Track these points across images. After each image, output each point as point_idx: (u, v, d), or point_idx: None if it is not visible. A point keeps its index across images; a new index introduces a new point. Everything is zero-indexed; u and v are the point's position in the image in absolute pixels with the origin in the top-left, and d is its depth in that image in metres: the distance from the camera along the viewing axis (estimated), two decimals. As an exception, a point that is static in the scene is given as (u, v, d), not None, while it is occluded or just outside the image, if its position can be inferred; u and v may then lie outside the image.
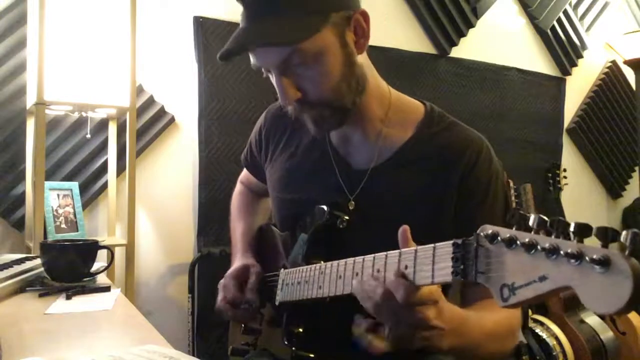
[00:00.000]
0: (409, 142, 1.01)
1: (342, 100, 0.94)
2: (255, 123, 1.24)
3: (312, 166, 1.08)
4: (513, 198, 2.89)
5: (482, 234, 0.62)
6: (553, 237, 0.55)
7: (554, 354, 2.57)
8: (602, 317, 2.88)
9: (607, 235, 0.51)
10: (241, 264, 1.16)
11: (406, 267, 0.72)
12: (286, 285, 1.04)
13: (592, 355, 2.68)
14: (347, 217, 0.99)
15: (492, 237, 0.60)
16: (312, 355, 1.01)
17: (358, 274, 0.81)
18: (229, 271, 1.16)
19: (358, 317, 0.82)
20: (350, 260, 0.84)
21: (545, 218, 0.56)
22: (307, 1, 0.89)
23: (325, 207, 1.00)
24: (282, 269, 1.09)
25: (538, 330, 2.64)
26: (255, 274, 1.12)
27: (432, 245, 0.69)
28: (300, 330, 1.02)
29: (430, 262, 0.69)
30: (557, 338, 2.62)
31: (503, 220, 0.99)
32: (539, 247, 0.55)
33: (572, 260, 0.51)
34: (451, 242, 0.66)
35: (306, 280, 0.96)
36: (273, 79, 0.96)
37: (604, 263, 0.49)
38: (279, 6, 0.89)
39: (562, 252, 0.52)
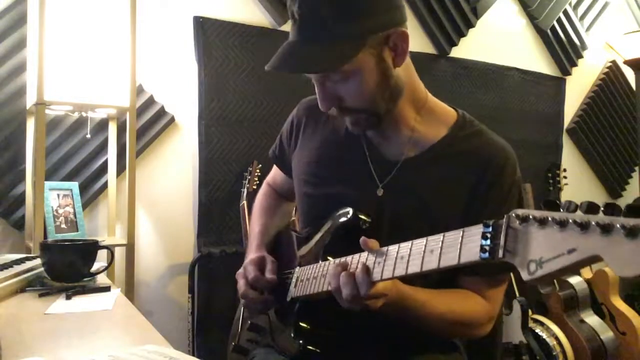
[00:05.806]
0: (442, 140, 1.07)
1: (376, 108, 1.02)
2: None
3: (345, 153, 1.14)
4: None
5: (513, 214, 0.64)
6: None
7: (554, 354, 2.57)
8: (602, 317, 2.88)
9: (638, 214, 0.54)
10: (257, 256, 1.17)
11: (432, 251, 0.75)
12: (300, 281, 1.06)
13: (592, 355, 2.68)
14: (369, 220, 1.02)
15: (524, 219, 0.62)
16: (318, 350, 1.02)
17: (379, 263, 0.84)
18: (246, 261, 1.17)
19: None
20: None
21: (576, 202, 0.59)
22: (346, 27, 0.94)
23: (350, 210, 1.02)
24: (297, 267, 1.10)
25: (538, 330, 2.64)
26: (271, 262, 1.14)
27: (461, 229, 0.72)
28: (309, 326, 1.04)
29: (459, 244, 0.71)
30: (557, 338, 2.62)
31: None
32: (570, 221, 0.57)
33: (603, 232, 0.54)
34: (481, 224, 0.68)
35: (323, 274, 0.97)
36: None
37: (635, 231, 0.52)
38: (319, 31, 0.95)
39: (593, 224, 0.55)
